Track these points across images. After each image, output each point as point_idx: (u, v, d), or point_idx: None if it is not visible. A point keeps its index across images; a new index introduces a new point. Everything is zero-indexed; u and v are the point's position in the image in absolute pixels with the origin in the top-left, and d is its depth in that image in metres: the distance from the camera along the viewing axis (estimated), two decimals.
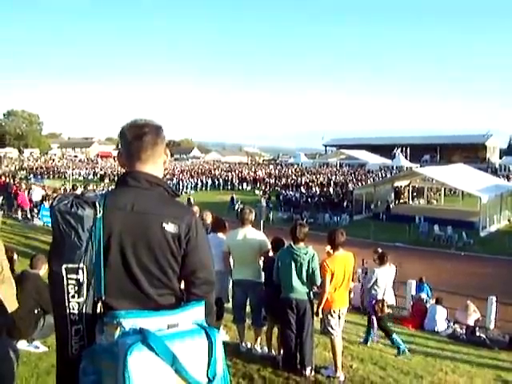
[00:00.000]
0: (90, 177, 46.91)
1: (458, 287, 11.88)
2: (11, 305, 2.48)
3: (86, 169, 51.68)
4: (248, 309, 4.94)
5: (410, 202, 31.47)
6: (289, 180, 39.31)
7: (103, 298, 1.48)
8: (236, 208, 25.41)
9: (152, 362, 1.28)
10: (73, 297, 1.47)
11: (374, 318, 6.56)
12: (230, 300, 4.98)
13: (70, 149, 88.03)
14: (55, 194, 16.60)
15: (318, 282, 4.33)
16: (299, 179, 38.88)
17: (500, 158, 54.90)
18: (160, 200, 1.59)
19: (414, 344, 7.58)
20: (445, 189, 31.67)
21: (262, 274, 4.76)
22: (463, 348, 8.13)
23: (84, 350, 1.46)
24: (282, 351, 4.53)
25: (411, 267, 15.50)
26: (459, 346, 8.27)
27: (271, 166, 53.35)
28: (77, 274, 1.46)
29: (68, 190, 22.72)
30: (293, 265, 4.26)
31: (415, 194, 32.11)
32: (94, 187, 26.70)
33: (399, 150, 51.43)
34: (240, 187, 39.82)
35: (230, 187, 40.12)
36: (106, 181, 39.70)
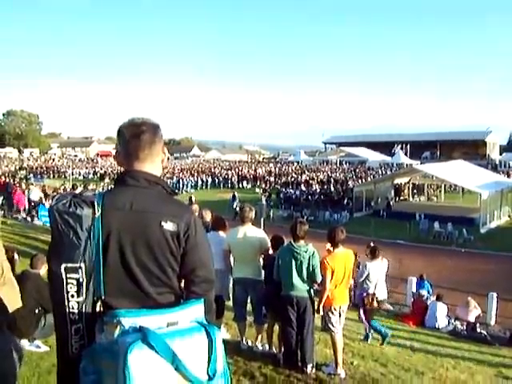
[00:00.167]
0: (90, 176, 46.90)
1: (459, 284, 11.89)
2: (15, 305, 2.48)
3: (86, 168, 51.67)
4: (249, 307, 4.94)
5: (411, 198, 31.46)
6: (289, 178, 39.27)
7: (103, 297, 1.48)
8: (234, 206, 25.34)
9: (152, 360, 1.28)
10: (72, 296, 1.47)
11: (361, 310, 6.57)
12: (231, 298, 4.98)
13: (69, 148, 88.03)
14: (54, 194, 16.62)
15: (319, 279, 4.34)
16: (299, 177, 38.87)
17: (500, 154, 54.83)
18: (159, 198, 1.59)
19: (414, 341, 7.59)
20: (445, 185, 31.68)
21: (262, 271, 4.77)
22: (464, 344, 8.14)
23: (84, 349, 1.46)
24: (282, 349, 4.53)
25: (412, 264, 15.53)
26: (460, 343, 8.28)
27: (271, 164, 53.35)
28: (76, 273, 1.46)
29: (68, 190, 22.74)
30: (293, 262, 4.27)
31: (415, 190, 32.09)
32: (94, 186, 26.67)
33: (399, 146, 51.44)
34: (240, 185, 39.80)
35: (230, 185, 40.12)
36: (107, 180, 39.65)
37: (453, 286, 11.30)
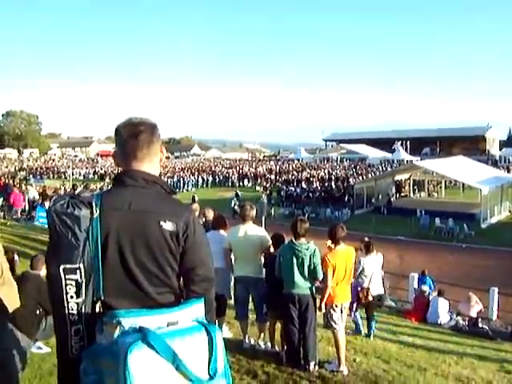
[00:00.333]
0: (91, 176, 46.91)
1: (460, 279, 11.90)
2: (14, 305, 2.47)
3: (87, 168, 51.68)
4: (250, 305, 4.94)
5: (411, 195, 31.46)
6: (289, 176, 39.27)
7: (102, 298, 1.48)
8: (232, 205, 25.30)
9: (152, 360, 1.28)
10: (71, 297, 1.46)
11: (354, 304, 6.58)
12: (232, 297, 4.97)
13: (69, 148, 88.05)
14: (53, 195, 16.56)
15: (320, 276, 4.33)
16: (300, 175, 38.86)
17: (500, 149, 54.76)
18: (157, 198, 1.58)
19: (417, 337, 7.58)
20: (445, 181, 31.68)
21: (264, 270, 4.76)
22: (466, 340, 8.13)
23: (84, 350, 1.45)
24: (285, 347, 4.53)
25: (413, 260, 15.55)
26: (462, 338, 8.28)
27: (272, 162, 53.28)
28: (75, 274, 1.46)
29: (68, 190, 22.76)
30: (294, 260, 4.26)
31: (416, 187, 32.08)
32: (95, 186, 26.67)
33: (399, 143, 51.35)
34: (241, 184, 39.81)
35: (230, 184, 40.12)
36: (107, 180, 39.67)
37: (454, 282, 11.30)
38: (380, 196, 28.49)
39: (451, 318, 9.55)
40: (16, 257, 5.19)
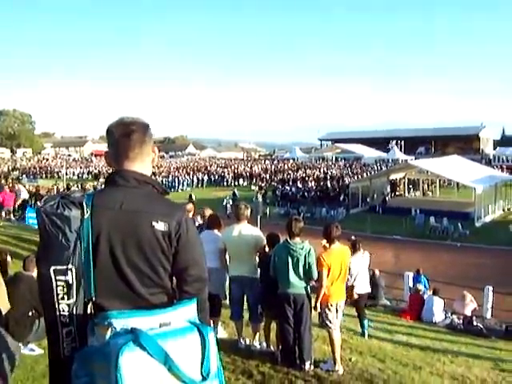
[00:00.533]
0: (85, 176, 46.68)
1: (455, 278, 11.95)
2: (3, 305, 2.45)
3: (81, 168, 51.43)
4: (245, 305, 4.92)
5: (406, 194, 31.59)
6: (285, 175, 39.28)
7: (94, 299, 1.46)
8: (224, 203, 25.31)
9: (144, 362, 1.26)
10: (62, 298, 1.45)
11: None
12: (227, 297, 4.96)
13: (63, 148, 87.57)
14: (44, 195, 16.46)
15: (315, 276, 4.32)
16: (295, 174, 38.89)
17: (494, 148, 55.08)
18: (149, 198, 1.57)
19: (412, 336, 7.60)
20: (440, 180, 31.83)
21: (258, 269, 4.74)
22: (461, 338, 8.17)
23: (76, 351, 1.43)
24: (280, 346, 4.52)
25: (408, 259, 15.61)
26: (457, 336, 8.32)
27: (267, 162, 53.30)
28: (65, 275, 1.44)
29: (61, 190, 22.62)
30: (289, 260, 4.25)
31: (411, 186, 32.22)
32: (89, 186, 26.53)
33: (394, 142, 51.53)
34: (236, 183, 39.77)
35: (225, 183, 40.09)
36: (101, 179, 39.50)
37: (449, 281, 11.36)
38: (375, 195, 28.59)
39: (446, 317, 9.59)
40: (9, 258, 5.14)
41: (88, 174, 47.82)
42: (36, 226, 1.59)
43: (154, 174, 39.68)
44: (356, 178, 33.45)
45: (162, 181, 37.32)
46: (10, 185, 21.80)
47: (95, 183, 33.59)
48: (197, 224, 7.06)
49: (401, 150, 50.08)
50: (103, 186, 1.64)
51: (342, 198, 28.63)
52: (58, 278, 1.44)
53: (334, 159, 52.64)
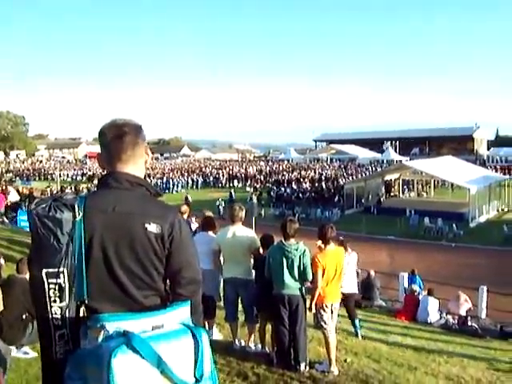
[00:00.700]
0: (79, 178, 46.48)
1: (449, 278, 12.01)
2: None
3: (75, 169, 51.21)
4: (240, 306, 4.91)
5: (401, 195, 31.73)
6: (280, 176, 39.33)
7: (86, 302, 1.45)
8: (217, 204, 25.31)
9: (137, 365, 1.25)
10: (54, 301, 1.43)
11: None
12: (222, 298, 4.94)
13: (57, 150, 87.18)
14: (38, 197, 16.29)
15: (309, 277, 4.32)
16: (290, 175, 38.94)
17: (488, 149, 55.48)
18: (142, 200, 1.56)
19: (407, 336, 7.62)
20: (434, 181, 32.00)
21: (253, 271, 4.73)
22: (456, 338, 8.20)
23: (69, 354, 1.42)
24: (275, 348, 4.51)
25: (403, 259, 15.67)
26: (452, 337, 8.35)
27: (262, 163, 53.34)
28: (57, 278, 1.43)
29: (55, 192, 22.49)
30: (284, 261, 4.25)
31: (405, 187, 32.36)
32: (84, 187, 26.40)
33: (389, 143, 51.75)
34: (231, 184, 39.76)
35: (220, 185, 40.06)
36: (96, 181, 39.30)
37: (443, 281, 11.41)
38: (370, 196, 28.69)
39: (441, 317, 9.63)
40: (2, 260, 5.11)
41: (82, 175, 47.64)
42: (28, 229, 1.58)
43: (148, 175, 39.77)
44: (351, 178, 33.57)
45: (157, 182, 37.28)
46: (4, 187, 21.62)
47: (89, 185, 33.42)
48: (194, 226, 7.05)
49: (395, 151, 50.32)
50: (96, 188, 1.63)
51: (336, 199, 28.72)
52: (50, 280, 1.43)
53: (328, 160, 52.78)
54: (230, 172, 43.44)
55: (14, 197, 18.51)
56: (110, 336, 1.32)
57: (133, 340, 1.27)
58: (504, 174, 32.93)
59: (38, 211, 1.45)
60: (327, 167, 44.46)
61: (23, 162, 62.38)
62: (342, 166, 43.95)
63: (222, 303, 5.01)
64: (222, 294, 4.94)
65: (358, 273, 11.26)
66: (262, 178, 40.26)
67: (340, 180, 33.61)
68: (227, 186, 39.04)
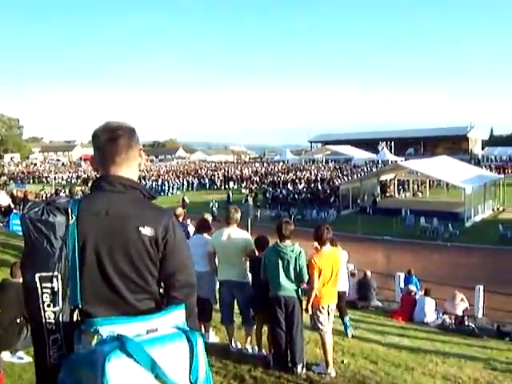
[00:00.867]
0: (74, 181, 46.30)
1: (446, 278, 12.04)
2: None
3: (69, 172, 51.02)
4: (236, 309, 4.89)
5: (396, 195, 31.82)
6: (275, 177, 39.35)
7: (80, 306, 1.44)
8: (210, 206, 25.28)
9: (131, 369, 1.24)
10: (48, 306, 1.42)
11: None
12: (218, 301, 4.92)
13: (51, 152, 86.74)
14: (32, 200, 16.15)
15: (305, 279, 4.31)
16: (286, 176, 38.97)
17: (482, 149, 55.82)
18: (136, 203, 1.55)
19: (404, 336, 7.62)
20: (429, 181, 32.11)
21: (249, 273, 4.71)
22: (453, 338, 8.21)
23: (63, 359, 1.41)
24: (272, 350, 4.49)
25: (399, 260, 15.70)
26: (449, 336, 8.35)
27: (257, 164, 53.37)
28: (51, 282, 1.42)
29: (50, 195, 22.37)
30: (280, 262, 4.24)
31: (401, 187, 32.47)
32: (78, 190, 26.24)
33: (384, 144, 51.93)
34: (227, 186, 39.73)
35: (216, 186, 40.01)
36: (90, 184, 39.10)
37: (440, 281, 11.42)
38: (365, 196, 28.75)
39: (437, 317, 9.63)
40: None
41: (77, 178, 47.48)
42: (20, 233, 1.56)
43: (143, 178, 39.63)
44: (346, 179, 33.63)
45: (152, 185, 37.19)
46: None
47: (84, 188, 33.26)
48: (192, 229, 6.99)
49: (390, 151, 50.47)
50: (89, 191, 1.62)
51: (332, 200, 28.77)
52: (43, 285, 1.41)
53: (324, 161, 52.89)
54: (226, 174, 43.42)
55: (4, 201, 18.34)
56: (103, 340, 1.32)
57: (127, 344, 1.26)
58: (499, 173, 33.14)
59: (31, 215, 1.44)
60: (323, 168, 44.55)
61: (17, 165, 62.19)
62: (338, 167, 44.04)
63: (217, 306, 4.99)
64: (218, 297, 4.92)
65: (354, 274, 11.32)
66: (258, 180, 40.26)
67: (335, 181, 33.66)
68: (223, 187, 39.02)
